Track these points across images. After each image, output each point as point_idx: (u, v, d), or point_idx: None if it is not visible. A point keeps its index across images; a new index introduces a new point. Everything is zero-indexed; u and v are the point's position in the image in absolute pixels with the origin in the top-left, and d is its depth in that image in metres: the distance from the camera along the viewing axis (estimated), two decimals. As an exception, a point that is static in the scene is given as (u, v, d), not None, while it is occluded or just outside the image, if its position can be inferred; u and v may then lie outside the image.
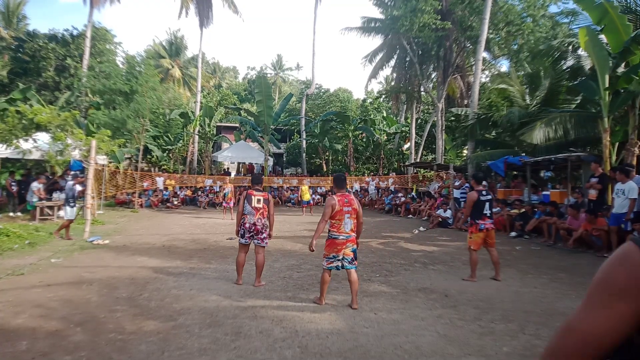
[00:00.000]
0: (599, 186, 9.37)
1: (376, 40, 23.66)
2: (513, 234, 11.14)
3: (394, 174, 24.99)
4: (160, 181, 20.16)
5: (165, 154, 25.56)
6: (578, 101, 14.05)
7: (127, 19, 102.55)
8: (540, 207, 10.99)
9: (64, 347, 3.74)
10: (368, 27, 22.75)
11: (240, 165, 30.83)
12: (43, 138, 13.66)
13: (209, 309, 4.88)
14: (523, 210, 11.49)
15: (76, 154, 13.27)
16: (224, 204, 16.38)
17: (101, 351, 3.67)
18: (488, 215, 6.45)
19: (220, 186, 20.18)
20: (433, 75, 24.10)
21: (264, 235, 6.05)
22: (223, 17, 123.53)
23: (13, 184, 14.58)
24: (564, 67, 13.66)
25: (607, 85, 10.32)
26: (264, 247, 6.06)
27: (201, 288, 5.78)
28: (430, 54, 20.85)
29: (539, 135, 11.99)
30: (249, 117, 27.76)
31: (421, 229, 12.67)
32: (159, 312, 4.73)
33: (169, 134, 25.98)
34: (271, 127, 24.25)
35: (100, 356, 3.58)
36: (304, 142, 28.76)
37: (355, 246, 5.07)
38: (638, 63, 9.81)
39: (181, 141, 26.29)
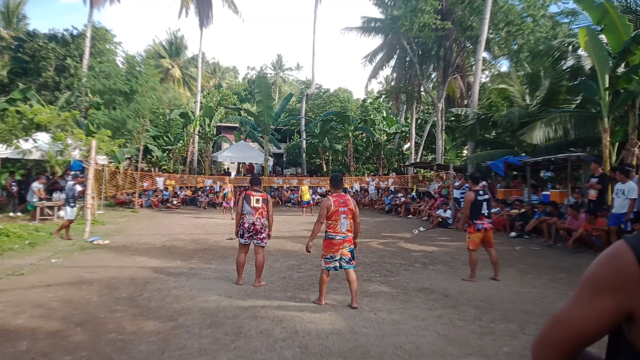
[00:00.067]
0: (598, 186, 9.37)
1: (376, 40, 23.70)
2: (513, 234, 11.14)
3: (394, 174, 24.99)
4: (160, 181, 20.17)
5: (165, 154, 25.57)
6: (578, 101, 14.05)
7: (127, 19, 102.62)
8: (540, 207, 10.99)
9: (64, 347, 3.74)
10: (368, 27, 22.75)
11: (240, 165, 30.83)
12: (43, 138, 13.67)
13: (209, 309, 4.88)
14: (523, 210, 11.49)
15: (76, 154, 13.27)
16: (224, 204, 16.39)
17: (101, 351, 3.67)
18: (486, 215, 6.45)
19: (220, 186, 20.18)
20: (433, 75, 24.10)
21: (263, 235, 6.05)
22: (223, 17, 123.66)
23: (13, 184, 14.58)
24: (564, 67, 13.66)
25: (607, 85, 10.32)
26: (263, 247, 6.06)
27: (201, 288, 5.78)
28: (430, 54, 20.85)
29: (539, 135, 11.99)
30: (249, 117, 27.75)
31: (421, 229, 12.67)
32: (159, 312, 4.73)
33: (169, 134, 25.98)
34: (271, 127, 24.25)
35: (100, 356, 3.58)
36: (304, 142, 28.76)
37: (352, 246, 5.09)
38: (638, 63, 9.81)
39: (181, 141, 26.29)
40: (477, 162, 15.32)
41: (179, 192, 20.91)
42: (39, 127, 13.06)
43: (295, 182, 23.44)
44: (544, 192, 12.55)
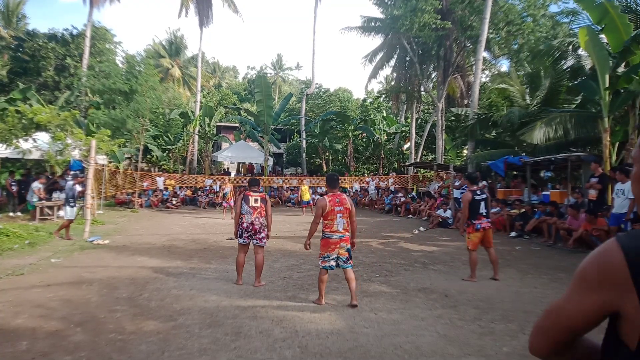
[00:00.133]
0: (599, 186, 9.37)
1: (376, 40, 23.67)
2: (513, 234, 11.14)
3: (394, 173, 24.99)
4: (160, 181, 20.17)
5: (165, 154, 25.56)
6: (578, 101, 14.05)
7: (127, 19, 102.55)
8: (540, 207, 10.98)
9: (64, 347, 3.74)
10: (368, 26, 22.74)
11: (240, 165, 30.83)
12: (43, 138, 13.66)
13: (209, 309, 4.88)
14: (523, 210, 11.48)
15: (76, 154, 13.27)
16: (223, 203, 16.38)
17: (101, 351, 3.67)
18: (484, 214, 6.44)
19: (220, 186, 20.17)
20: (433, 75, 24.09)
21: (263, 234, 6.05)
22: (223, 17, 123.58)
23: (13, 183, 14.58)
24: (564, 67, 13.66)
25: (607, 85, 10.32)
26: (262, 246, 6.06)
27: (201, 288, 5.78)
28: (430, 53, 20.84)
29: (539, 135, 11.99)
30: (249, 117, 27.75)
31: (421, 229, 12.67)
32: (159, 312, 4.73)
33: (169, 134, 25.98)
34: (271, 127, 24.24)
35: (100, 356, 3.58)
36: (304, 142, 28.75)
37: (349, 245, 5.10)
38: (638, 63, 9.81)
39: (181, 141, 26.28)
40: (477, 162, 15.32)
41: (178, 192, 20.91)
42: (39, 127, 13.06)
43: (295, 182, 23.44)
44: (544, 192, 12.54)
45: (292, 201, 21.99)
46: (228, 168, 30.97)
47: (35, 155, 14.23)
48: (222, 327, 4.31)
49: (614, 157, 11.10)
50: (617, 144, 11.46)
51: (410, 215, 16.59)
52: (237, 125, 31.27)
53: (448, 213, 13.43)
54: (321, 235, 5.14)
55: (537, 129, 11.97)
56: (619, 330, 0.87)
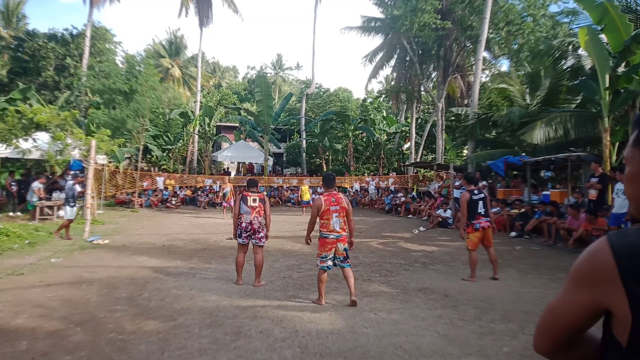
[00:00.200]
0: (599, 186, 9.37)
1: (376, 40, 23.68)
2: (513, 234, 11.14)
3: (394, 173, 24.99)
4: (160, 181, 20.17)
5: (165, 154, 25.56)
6: (578, 101, 14.05)
7: (127, 19, 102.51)
8: (540, 207, 10.98)
9: (64, 347, 3.74)
10: (368, 26, 22.74)
11: (240, 165, 30.82)
12: (43, 138, 13.65)
13: (209, 309, 4.88)
14: (523, 210, 11.48)
15: (76, 154, 13.26)
16: (223, 203, 16.38)
17: (101, 351, 3.67)
18: (482, 214, 6.44)
19: (220, 186, 20.18)
20: (433, 75, 24.09)
21: (262, 234, 6.05)
22: (223, 17, 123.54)
23: (13, 183, 14.58)
24: (564, 67, 13.67)
25: (607, 84, 10.32)
26: (262, 246, 6.06)
27: (201, 288, 5.78)
28: (430, 53, 20.84)
29: (539, 135, 11.99)
30: (249, 117, 27.75)
31: (421, 229, 12.67)
32: (159, 312, 4.73)
33: (168, 134, 25.98)
34: (271, 126, 24.24)
35: (100, 356, 3.58)
36: (304, 141, 28.75)
37: (346, 245, 5.12)
38: (638, 63, 9.81)
39: (181, 141, 26.28)
40: (477, 161, 15.32)
41: (178, 192, 20.90)
42: (39, 127, 13.05)
43: (295, 181, 23.44)
44: (544, 192, 12.54)
45: (292, 201, 21.99)
46: (228, 168, 30.96)
47: (35, 155, 14.22)
48: (222, 327, 4.30)
49: (614, 157, 11.09)
50: (617, 143, 11.45)
51: (410, 215, 16.59)
52: (237, 125, 31.27)
53: (448, 213, 13.43)
54: (318, 235, 5.16)
55: (537, 129, 11.96)
56: (612, 328, 0.88)
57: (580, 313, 0.93)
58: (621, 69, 10.45)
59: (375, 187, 21.63)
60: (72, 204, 9.98)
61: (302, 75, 64.89)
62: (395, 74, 25.62)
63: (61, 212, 11.62)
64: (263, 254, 6.10)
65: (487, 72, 22.77)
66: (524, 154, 14.02)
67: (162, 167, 25.54)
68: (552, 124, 11.86)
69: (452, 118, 23.34)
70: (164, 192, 20.11)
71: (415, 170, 22.92)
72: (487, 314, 4.79)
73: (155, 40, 47.73)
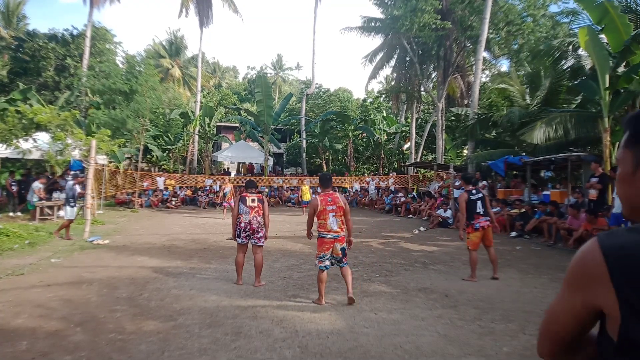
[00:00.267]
0: (599, 186, 9.37)
1: (376, 40, 23.68)
2: (513, 233, 11.14)
3: (394, 173, 24.99)
4: (160, 181, 20.18)
5: (165, 154, 25.56)
6: (578, 101, 14.05)
7: (127, 19, 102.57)
8: (541, 207, 10.98)
9: (64, 347, 3.74)
10: (368, 26, 22.74)
11: (240, 165, 30.82)
12: (43, 138, 13.66)
13: (209, 309, 4.88)
14: (523, 210, 11.48)
15: (76, 154, 13.27)
16: (224, 203, 16.38)
17: (101, 351, 3.67)
18: (482, 213, 6.45)
19: (220, 186, 20.18)
20: (433, 75, 24.09)
21: (261, 234, 6.06)
22: (223, 17, 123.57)
23: (13, 183, 14.58)
24: (564, 67, 13.66)
25: (607, 85, 10.31)
26: (261, 246, 6.07)
27: (201, 288, 5.78)
28: (430, 53, 20.84)
29: (539, 135, 11.98)
30: (249, 117, 27.76)
31: (421, 229, 12.66)
32: (159, 312, 4.73)
33: (169, 134, 25.98)
34: (271, 127, 24.25)
35: (100, 356, 3.58)
36: (304, 142, 28.75)
37: (344, 245, 5.14)
38: (638, 63, 9.81)
39: (181, 141, 26.28)
40: (478, 161, 15.31)
41: (178, 192, 20.91)
42: (39, 127, 13.07)
43: (295, 182, 23.43)
44: (544, 192, 12.54)
45: (292, 201, 21.99)
46: (228, 168, 30.96)
47: (36, 155, 14.23)
48: (222, 327, 4.30)
49: (614, 157, 11.08)
50: (617, 143, 11.42)
51: (410, 215, 16.59)
52: (237, 125, 31.28)
53: (448, 213, 13.43)
54: (317, 235, 5.19)
55: (537, 129, 11.96)
56: (606, 326, 0.89)
57: (577, 315, 0.93)
58: (621, 69, 10.45)
59: (376, 187, 21.63)
60: (72, 204, 9.98)
61: (302, 75, 64.98)
62: (395, 74, 25.63)
63: (61, 212, 11.62)
64: (263, 254, 6.11)
65: (487, 72, 22.77)
66: (524, 154, 14.02)
67: (162, 167, 25.54)
68: (552, 124, 11.86)
69: (452, 118, 23.34)
70: (164, 192, 20.12)
71: (416, 170, 22.92)
72: (487, 314, 4.79)
73: (155, 40, 47.86)
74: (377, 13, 24.22)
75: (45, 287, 5.71)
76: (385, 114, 30.17)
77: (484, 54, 18.99)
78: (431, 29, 18.09)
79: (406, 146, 27.88)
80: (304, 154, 28.77)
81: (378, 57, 24.09)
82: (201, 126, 26.37)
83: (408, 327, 4.36)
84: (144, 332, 4.11)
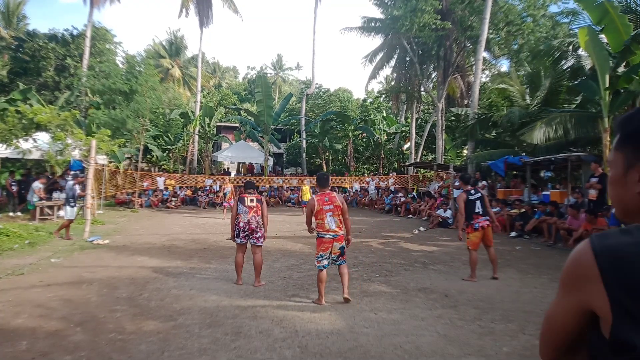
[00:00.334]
0: (599, 186, 9.37)
1: (376, 40, 23.67)
2: (513, 234, 11.14)
3: (394, 173, 24.99)
4: (160, 181, 20.17)
5: (165, 154, 25.56)
6: (578, 101, 14.05)
7: (127, 19, 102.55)
8: (540, 207, 10.98)
9: (64, 347, 3.74)
10: (368, 27, 22.74)
11: (240, 165, 30.83)
12: (43, 138, 13.66)
13: (209, 309, 4.88)
14: (523, 210, 11.48)
15: (76, 154, 13.27)
16: (224, 203, 16.38)
17: (101, 351, 3.67)
18: (481, 213, 6.45)
19: (220, 186, 20.18)
20: (433, 75, 24.08)
21: (259, 234, 6.07)
22: (223, 17, 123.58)
23: (13, 183, 14.58)
24: (564, 67, 13.66)
25: (607, 85, 10.32)
26: (260, 246, 6.08)
27: (201, 288, 5.78)
28: (430, 53, 20.84)
29: (539, 135, 11.98)
30: (249, 117, 27.76)
31: (421, 229, 12.67)
32: (159, 312, 4.73)
33: (169, 134, 25.97)
34: (271, 127, 24.24)
35: (100, 356, 3.58)
36: (304, 142, 28.74)
37: (343, 244, 5.16)
38: (638, 63, 9.81)
39: (181, 141, 26.28)
40: (477, 162, 15.31)
41: (178, 192, 20.91)
42: (39, 127, 13.06)
43: (295, 182, 23.43)
44: (544, 192, 12.54)
45: (292, 201, 21.99)
46: (228, 168, 30.97)
47: (35, 155, 14.23)
48: (222, 327, 4.31)
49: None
50: (617, 144, 11.43)
51: (410, 215, 16.59)
52: (237, 125, 31.27)
53: (448, 213, 13.42)
54: (316, 235, 5.22)
55: (537, 129, 11.96)
56: (600, 326, 0.90)
57: (573, 317, 0.93)
58: (621, 69, 10.45)
59: (375, 187, 21.63)
60: (72, 204, 9.98)
61: (302, 75, 64.96)
62: (395, 74, 25.62)
63: (61, 212, 11.62)
64: (262, 254, 6.11)
65: (487, 72, 22.76)
66: (524, 154, 14.01)
67: (162, 167, 25.54)
68: (552, 124, 11.86)
69: (452, 118, 23.33)
70: (164, 192, 20.12)
71: (415, 171, 22.92)
72: (487, 314, 4.80)
73: (155, 40, 47.83)
74: (377, 13, 24.25)
75: (45, 287, 5.71)
76: (385, 114, 30.16)
77: (484, 54, 18.99)
78: (431, 29, 18.09)
79: (406, 146, 27.88)
80: (304, 154, 28.77)
81: (378, 57, 24.09)
82: (201, 126, 26.37)
83: (408, 327, 4.37)
84: (144, 332, 4.11)
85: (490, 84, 20.65)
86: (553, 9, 17.52)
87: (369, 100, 31.64)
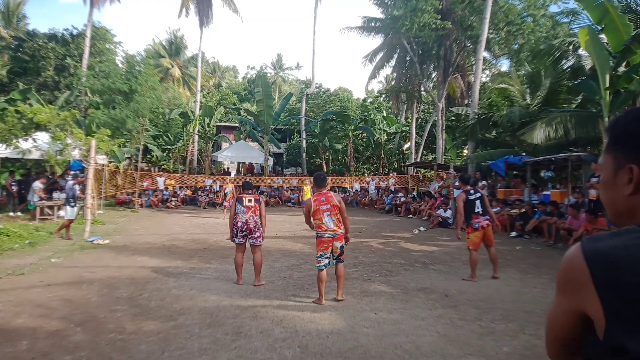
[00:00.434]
0: (599, 186, 9.35)
1: (376, 40, 23.65)
2: (513, 233, 11.14)
3: (395, 173, 24.99)
4: (160, 181, 20.17)
5: (165, 154, 25.55)
6: (578, 101, 14.05)
7: (127, 19, 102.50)
8: (541, 207, 10.98)
9: (64, 347, 3.74)
10: (368, 26, 22.73)
11: (240, 165, 30.82)
12: (43, 138, 13.65)
13: (209, 309, 4.88)
14: (523, 210, 11.48)
15: (76, 154, 13.26)
16: (224, 203, 16.37)
17: (101, 351, 3.67)
18: (480, 213, 6.45)
19: (220, 186, 20.17)
20: (433, 75, 24.07)
21: (258, 234, 6.08)
22: (223, 17, 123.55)
23: (13, 183, 14.57)
24: (565, 67, 13.66)
25: (607, 84, 10.32)
26: (259, 246, 6.09)
27: (201, 288, 5.78)
28: (430, 53, 20.83)
29: (539, 135, 11.98)
30: (249, 117, 27.74)
31: (421, 228, 12.66)
32: (159, 312, 4.73)
33: (168, 134, 25.97)
34: (271, 126, 24.24)
35: (100, 356, 3.58)
36: (304, 141, 28.74)
37: (342, 242, 5.19)
38: (638, 62, 9.81)
39: (181, 141, 26.28)
40: (478, 161, 15.31)
41: (178, 192, 20.91)
42: (39, 127, 13.06)
43: (295, 181, 23.42)
44: (544, 192, 12.54)
45: (292, 201, 21.98)
46: (228, 168, 30.96)
47: (35, 155, 14.22)
48: (222, 327, 4.30)
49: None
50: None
51: (410, 215, 16.58)
52: (237, 125, 31.26)
53: (448, 213, 13.42)
54: (316, 235, 5.24)
55: (538, 129, 11.96)
56: (595, 329, 0.90)
57: (570, 319, 0.93)
58: (621, 69, 10.45)
59: (376, 187, 21.62)
60: (72, 204, 9.98)
61: (302, 75, 64.93)
62: (395, 74, 25.60)
63: (61, 212, 11.62)
64: (262, 254, 6.12)
65: (487, 72, 22.77)
66: (524, 154, 14.01)
67: (162, 167, 25.53)
68: (552, 124, 11.86)
69: (452, 118, 23.33)
70: (164, 192, 20.11)
71: (416, 170, 22.91)
72: (487, 314, 4.79)
73: (155, 40, 47.75)
74: (377, 13, 24.22)
75: (45, 287, 5.71)
76: (385, 114, 30.14)
77: (484, 54, 18.98)
78: (431, 29, 18.09)
79: (406, 146, 27.88)
80: (304, 154, 28.76)
81: (378, 57, 24.08)
82: (201, 126, 26.36)
83: (408, 327, 4.36)
84: (144, 332, 4.11)
85: (490, 84, 20.65)
86: (553, 8, 17.54)
87: (369, 100, 31.63)
